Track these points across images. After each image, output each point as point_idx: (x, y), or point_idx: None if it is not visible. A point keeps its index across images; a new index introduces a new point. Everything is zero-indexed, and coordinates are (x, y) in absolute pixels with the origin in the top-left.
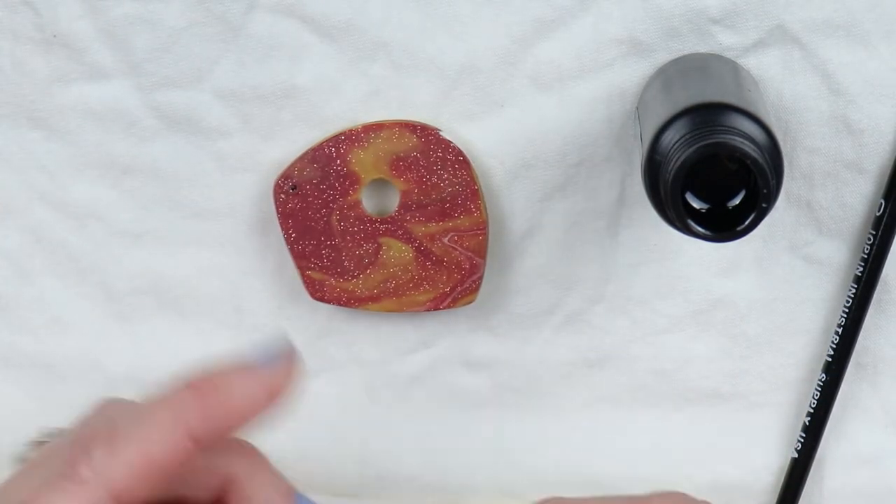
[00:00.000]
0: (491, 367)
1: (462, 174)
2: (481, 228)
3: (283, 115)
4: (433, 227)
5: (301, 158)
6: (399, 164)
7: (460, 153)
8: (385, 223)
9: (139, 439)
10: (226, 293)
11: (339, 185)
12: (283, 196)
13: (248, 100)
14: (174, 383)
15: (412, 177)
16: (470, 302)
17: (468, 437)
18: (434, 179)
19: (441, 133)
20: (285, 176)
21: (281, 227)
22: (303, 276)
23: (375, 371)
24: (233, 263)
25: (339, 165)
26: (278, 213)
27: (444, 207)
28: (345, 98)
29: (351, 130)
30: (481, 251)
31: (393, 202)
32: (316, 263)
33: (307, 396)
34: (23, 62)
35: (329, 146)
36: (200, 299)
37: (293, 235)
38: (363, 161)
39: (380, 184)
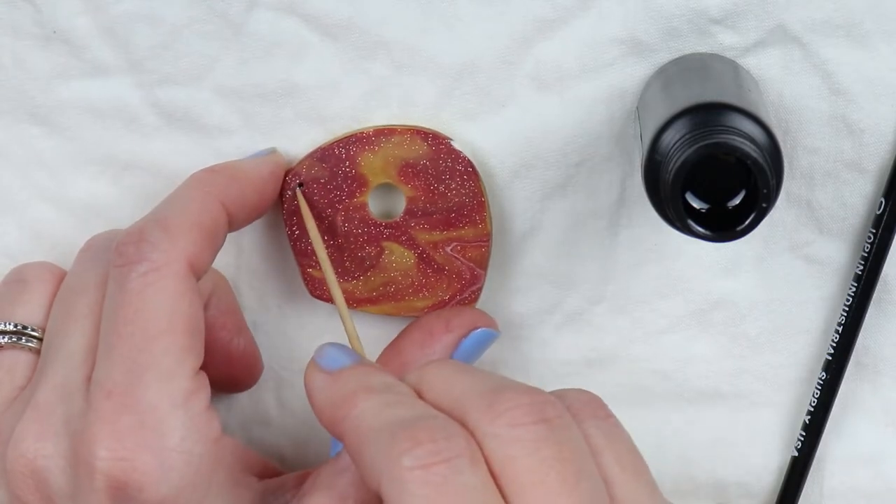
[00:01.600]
0: (491, 366)
1: (470, 185)
2: (485, 240)
3: (284, 113)
4: (437, 235)
5: (310, 156)
6: (408, 171)
7: (470, 164)
8: (389, 227)
9: (184, 214)
10: None
11: (346, 187)
12: (289, 192)
13: (248, 97)
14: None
15: (420, 184)
16: None
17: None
18: (441, 188)
19: (452, 143)
20: (293, 173)
21: (285, 223)
22: (303, 273)
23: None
24: (232, 261)
25: (348, 167)
26: (283, 209)
27: (449, 217)
28: (345, 97)
29: (362, 133)
30: (483, 262)
31: (399, 207)
32: (317, 262)
33: (307, 396)
34: (23, 58)
35: (339, 147)
36: None
37: (296, 232)
38: (372, 164)
39: (387, 188)
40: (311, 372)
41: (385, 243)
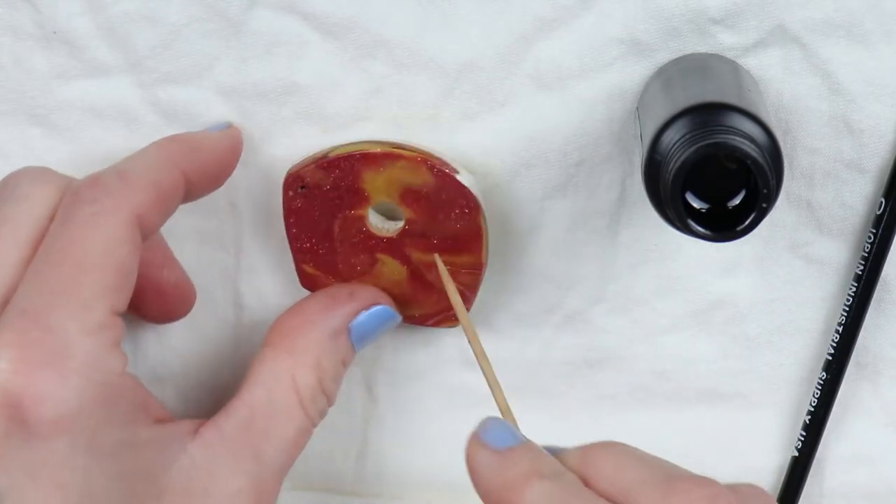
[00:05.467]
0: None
1: (470, 218)
2: (478, 269)
3: (284, 111)
4: (431, 256)
5: (316, 162)
6: (409, 195)
7: (473, 199)
8: (385, 242)
9: (145, 171)
10: (225, 290)
11: (347, 198)
12: (291, 193)
13: (248, 96)
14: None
15: (420, 209)
16: (453, 326)
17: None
18: (441, 217)
19: (458, 177)
20: (297, 175)
21: (284, 220)
22: (298, 267)
23: (375, 369)
24: (232, 260)
25: (351, 181)
26: (284, 207)
27: (445, 242)
28: (345, 95)
29: (370, 151)
30: (474, 287)
31: (397, 223)
32: (312, 260)
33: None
34: (23, 59)
35: (345, 161)
36: (199, 295)
37: (294, 231)
38: (375, 183)
39: (388, 204)
40: (476, 448)
41: (379, 255)
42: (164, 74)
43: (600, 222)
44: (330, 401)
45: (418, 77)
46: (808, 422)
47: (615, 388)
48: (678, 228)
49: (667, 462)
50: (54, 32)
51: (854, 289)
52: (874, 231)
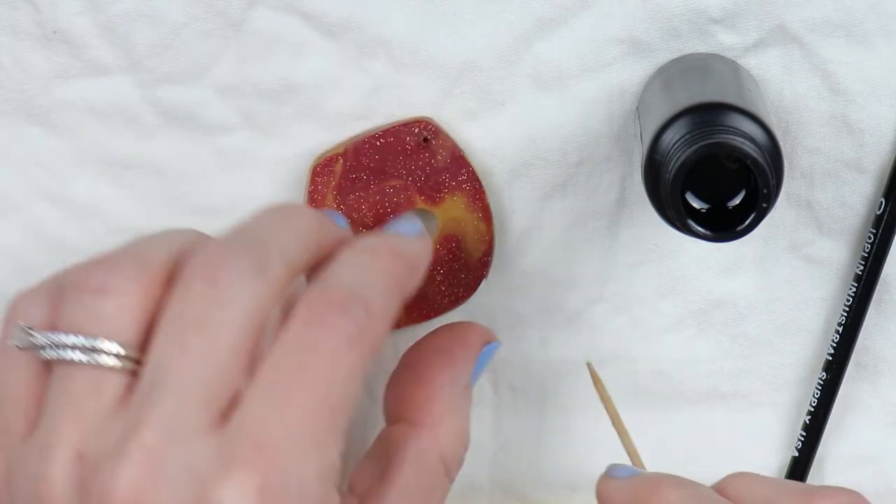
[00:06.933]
0: (491, 366)
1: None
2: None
3: (284, 111)
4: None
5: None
6: (447, 236)
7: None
8: None
9: (384, 304)
10: None
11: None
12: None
13: (248, 96)
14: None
15: (449, 248)
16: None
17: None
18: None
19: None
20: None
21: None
22: None
23: (376, 369)
24: None
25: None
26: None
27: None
28: (345, 95)
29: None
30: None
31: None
32: None
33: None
34: (22, 58)
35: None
36: None
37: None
38: (422, 205)
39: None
40: (606, 481)
41: None
42: (164, 74)
43: (600, 222)
44: (467, 449)
45: (418, 77)
46: (808, 422)
47: (615, 388)
48: (678, 228)
49: (797, 482)
50: (54, 32)
51: (854, 289)
52: (874, 231)
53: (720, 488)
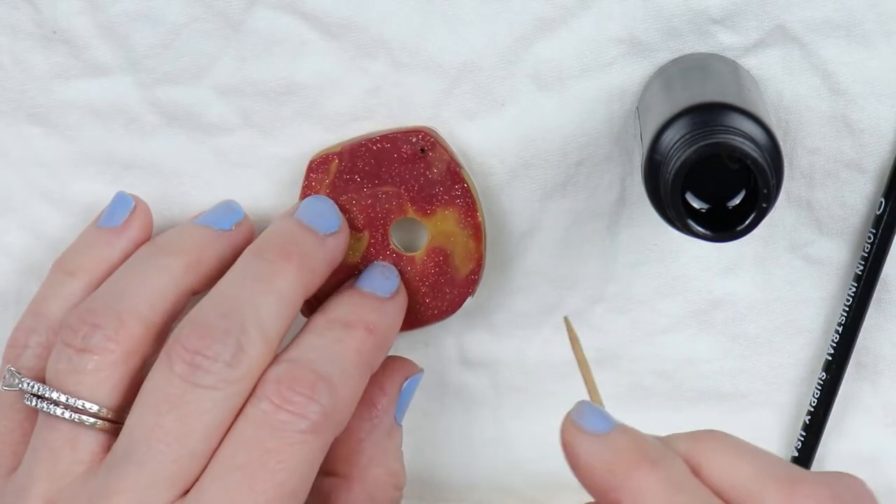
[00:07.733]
0: (491, 366)
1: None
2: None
3: (284, 111)
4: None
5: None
6: (435, 248)
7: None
8: (395, 253)
9: (352, 391)
10: None
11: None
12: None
13: (248, 96)
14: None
15: (435, 260)
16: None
17: (468, 437)
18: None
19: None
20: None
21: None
22: None
23: None
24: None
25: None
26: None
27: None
28: (345, 95)
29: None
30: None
31: (419, 241)
32: None
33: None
34: (22, 58)
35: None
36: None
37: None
38: (414, 215)
39: (410, 221)
40: (575, 433)
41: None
42: (164, 74)
43: (600, 222)
44: (404, 484)
45: (418, 77)
46: (808, 422)
47: (615, 388)
48: (678, 228)
49: (779, 458)
50: (54, 32)
51: (854, 289)
52: (874, 231)
53: (694, 457)
